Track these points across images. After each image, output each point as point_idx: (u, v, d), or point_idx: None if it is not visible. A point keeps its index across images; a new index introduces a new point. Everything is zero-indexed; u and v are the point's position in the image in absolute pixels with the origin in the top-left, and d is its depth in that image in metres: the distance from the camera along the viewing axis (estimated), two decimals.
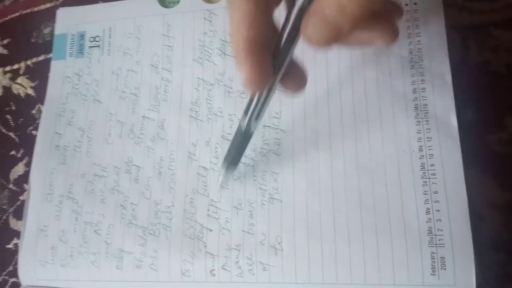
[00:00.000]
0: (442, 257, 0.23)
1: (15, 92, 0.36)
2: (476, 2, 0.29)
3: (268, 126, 0.27)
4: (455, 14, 0.29)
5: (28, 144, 0.33)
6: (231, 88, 0.29)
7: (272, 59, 0.20)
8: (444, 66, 0.25)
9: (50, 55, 0.34)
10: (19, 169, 0.34)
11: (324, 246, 0.24)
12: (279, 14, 0.21)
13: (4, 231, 0.32)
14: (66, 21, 0.33)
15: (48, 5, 0.37)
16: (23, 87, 0.36)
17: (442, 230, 0.23)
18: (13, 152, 0.34)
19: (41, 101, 0.33)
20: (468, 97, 0.27)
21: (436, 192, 0.24)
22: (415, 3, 0.27)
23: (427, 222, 0.23)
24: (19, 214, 0.32)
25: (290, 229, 0.25)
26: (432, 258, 0.23)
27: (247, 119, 0.23)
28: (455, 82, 0.25)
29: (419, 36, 0.26)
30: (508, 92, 0.27)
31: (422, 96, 0.25)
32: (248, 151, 0.27)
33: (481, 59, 0.28)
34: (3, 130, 0.35)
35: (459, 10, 0.29)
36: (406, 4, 0.27)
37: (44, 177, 0.30)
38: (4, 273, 0.31)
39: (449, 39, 0.26)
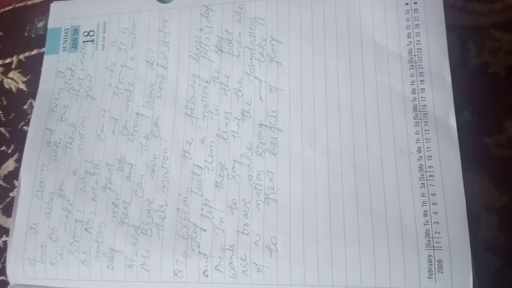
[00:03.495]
0: (439, 260, 0.22)
1: (7, 86, 0.35)
2: (476, 4, 0.29)
3: (265, 125, 0.27)
4: (455, 15, 0.29)
5: (19, 140, 0.32)
6: (227, 85, 0.28)
7: None
8: (444, 66, 0.25)
9: (43, 50, 0.33)
10: (9, 165, 0.33)
11: (319, 247, 0.24)
12: None
13: None
14: (60, 15, 0.33)
15: None
16: (15, 81, 0.35)
17: (439, 233, 0.23)
18: (3, 148, 0.33)
19: (33, 96, 0.32)
20: (467, 99, 0.27)
21: (434, 194, 0.23)
22: (415, 2, 0.26)
23: (424, 224, 0.23)
24: (8, 211, 0.31)
25: (286, 230, 0.25)
26: (429, 261, 0.22)
27: None
28: (454, 84, 0.25)
29: (418, 36, 0.26)
30: (507, 94, 0.27)
31: (421, 97, 0.25)
32: (244, 150, 0.27)
33: (480, 60, 0.28)
34: None
35: (459, 11, 0.29)
36: (407, 4, 0.26)
37: (35, 173, 0.29)
38: None
39: (448, 40, 0.26)
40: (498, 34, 0.28)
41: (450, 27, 0.28)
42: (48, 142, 0.30)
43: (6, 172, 0.33)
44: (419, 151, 0.24)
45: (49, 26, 0.33)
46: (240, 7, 0.29)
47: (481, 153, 0.26)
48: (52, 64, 0.32)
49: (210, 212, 0.26)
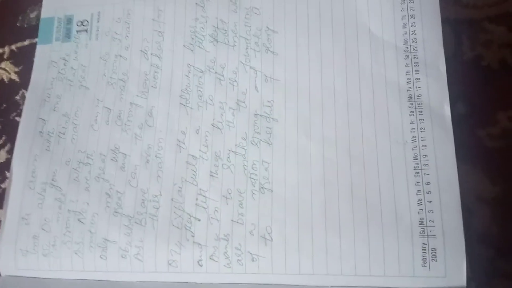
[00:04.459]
0: (433, 248, 0.22)
1: None
2: None
3: (260, 115, 0.27)
4: (449, 8, 0.29)
5: (10, 131, 0.32)
6: (222, 75, 0.28)
7: None
8: (439, 57, 0.25)
9: (36, 40, 0.32)
10: (0, 156, 0.32)
11: (314, 236, 0.24)
12: None
13: None
14: (53, 4, 0.32)
15: None
16: (7, 72, 0.35)
17: (433, 221, 0.23)
18: None
19: (25, 87, 0.31)
20: (460, 91, 0.27)
21: (428, 183, 0.23)
22: None
23: (418, 213, 0.23)
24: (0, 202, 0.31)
25: (281, 219, 0.25)
26: (423, 249, 0.22)
27: None
28: (447, 76, 0.25)
29: (414, 26, 0.26)
30: (499, 87, 0.27)
31: (416, 87, 0.25)
32: (239, 140, 0.26)
33: (474, 53, 0.28)
34: None
35: (453, 4, 0.29)
36: None
37: (27, 164, 0.29)
38: None
39: (442, 33, 0.26)
40: (492, 27, 0.28)
41: (444, 20, 0.28)
42: (40, 132, 0.29)
43: None
44: (413, 140, 0.24)
45: (42, 15, 0.32)
46: None
47: (475, 145, 0.27)
48: (45, 54, 0.31)
49: (204, 202, 0.26)
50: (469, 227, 0.25)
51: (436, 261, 0.22)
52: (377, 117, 0.25)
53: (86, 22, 0.31)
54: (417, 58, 0.25)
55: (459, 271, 0.22)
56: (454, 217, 0.23)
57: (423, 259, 0.22)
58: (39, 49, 0.32)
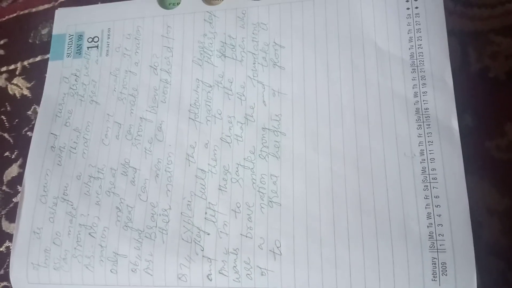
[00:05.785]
0: (443, 262, 0.22)
1: (11, 92, 0.35)
2: (476, 9, 0.29)
3: (268, 129, 0.27)
4: (455, 21, 0.29)
5: (22, 145, 0.32)
6: (231, 90, 0.28)
7: None
8: (445, 69, 0.25)
9: (47, 56, 0.33)
10: (13, 171, 0.33)
11: (323, 250, 0.24)
12: None
13: None
14: (65, 21, 0.33)
15: (46, 6, 0.37)
16: (19, 87, 0.35)
17: (443, 235, 0.23)
18: (7, 154, 0.34)
19: (37, 102, 0.32)
20: (467, 103, 0.27)
21: (437, 197, 0.23)
22: (416, 7, 0.27)
23: (428, 227, 0.23)
24: (11, 216, 0.31)
25: (289, 233, 0.25)
26: (433, 263, 0.22)
27: None
28: (455, 88, 0.25)
29: (420, 40, 0.26)
30: (507, 98, 0.27)
31: (423, 100, 0.25)
32: (247, 153, 0.27)
33: (481, 65, 0.28)
34: None
35: (459, 17, 0.29)
36: (408, 8, 0.27)
37: (39, 178, 0.29)
38: None
39: (448, 45, 0.26)
40: (498, 38, 0.29)
41: (451, 32, 0.28)
42: (52, 147, 0.30)
43: (9, 178, 0.33)
44: (421, 153, 0.24)
45: (54, 32, 0.33)
46: (243, 13, 0.30)
47: (483, 156, 0.26)
48: (56, 70, 0.32)
49: (213, 216, 0.26)
50: (479, 240, 0.25)
51: (446, 275, 0.22)
52: (384, 130, 0.25)
53: (97, 38, 0.32)
54: (424, 71, 0.25)
55: (470, 286, 0.22)
56: (463, 230, 0.22)
57: (433, 274, 0.22)
58: (50, 65, 0.32)
